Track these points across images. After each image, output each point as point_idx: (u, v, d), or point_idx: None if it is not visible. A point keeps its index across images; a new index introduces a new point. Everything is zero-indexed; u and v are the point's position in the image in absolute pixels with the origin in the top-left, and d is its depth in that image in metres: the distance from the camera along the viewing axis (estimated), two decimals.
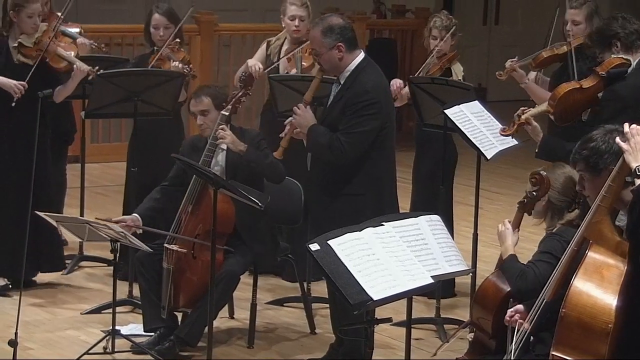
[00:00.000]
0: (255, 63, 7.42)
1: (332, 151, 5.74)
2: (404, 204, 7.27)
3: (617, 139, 4.13)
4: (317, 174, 5.91)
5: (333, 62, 5.79)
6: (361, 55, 5.84)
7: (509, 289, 4.81)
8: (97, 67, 6.91)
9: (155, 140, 7.10)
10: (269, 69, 7.41)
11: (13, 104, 6.71)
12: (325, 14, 12.11)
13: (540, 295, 4.48)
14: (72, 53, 6.93)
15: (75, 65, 6.84)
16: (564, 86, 5.83)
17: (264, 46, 7.66)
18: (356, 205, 5.74)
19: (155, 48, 7.27)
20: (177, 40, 7.27)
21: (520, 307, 4.63)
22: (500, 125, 6.31)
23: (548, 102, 5.83)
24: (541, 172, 4.92)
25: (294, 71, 7.34)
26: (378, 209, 5.68)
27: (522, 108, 5.78)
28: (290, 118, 5.94)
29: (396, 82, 7.19)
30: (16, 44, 6.80)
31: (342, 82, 5.84)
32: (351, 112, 5.73)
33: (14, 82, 6.72)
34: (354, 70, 5.80)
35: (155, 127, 7.09)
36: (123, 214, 7.16)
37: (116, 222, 6.01)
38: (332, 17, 5.90)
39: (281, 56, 7.46)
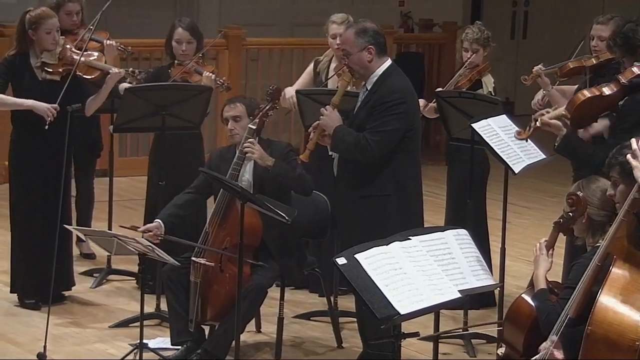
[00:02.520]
0: (292, 95, 7.40)
1: (359, 150, 5.79)
2: (437, 219, 7.27)
3: (628, 156, 4.09)
4: (344, 176, 5.94)
5: (362, 63, 5.86)
6: (389, 62, 5.93)
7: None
8: (131, 69, 6.95)
9: (175, 154, 7.09)
10: (320, 87, 7.38)
11: (46, 127, 6.69)
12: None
13: (564, 310, 4.45)
14: (103, 62, 6.97)
15: (110, 70, 6.87)
16: (583, 93, 5.80)
17: (311, 66, 7.63)
18: (382, 207, 5.80)
19: (175, 61, 7.27)
20: (200, 54, 7.28)
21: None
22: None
23: (566, 107, 5.80)
24: (578, 193, 4.87)
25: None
26: (403, 211, 5.79)
27: (540, 111, 5.75)
28: (317, 121, 5.98)
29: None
30: (39, 63, 6.80)
31: (368, 88, 5.91)
32: (378, 112, 5.79)
33: (47, 105, 6.70)
34: (381, 75, 5.88)
35: (175, 140, 7.08)
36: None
37: (142, 232, 6.02)
38: (366, 21, 6.00)
39: (329, 74, 7.42)
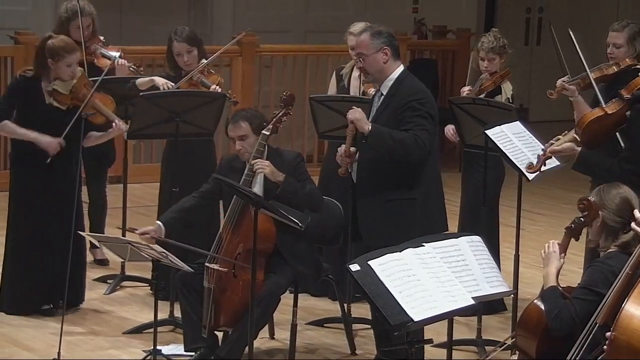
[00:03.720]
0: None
1: (418, 146, 5.74)
2: (451, 226, 7.26)
3: None
4: (368, 181, 5.90)
5: (377, 65, 5.87)
6: (402, 67, 5.95)
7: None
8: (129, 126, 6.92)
9: (187, 160, 7.07)
10: (342, 93, 7.38)
11: (48, 162, 6.64)
12: None
13: (593, 318, 4.43)
14: (111, 109, 6.86)
15: (114, 123, 6.80)
16: (589, 114, 5.78)
17: (333, 77, 7.59)
18: (408, 210, 5.80)
19: (182, 72, 7.25)
20: (203, 60, 7.28)
21: None
22: (542, 146, 6.29)
23: (575, 131, 5.80)
24: (590, 198, 4.88)
25: (372, 90, 7.30)
26: (429, 213, 5.80)
27: (550, 142, 5.78)
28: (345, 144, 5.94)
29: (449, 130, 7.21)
30: (50, 88, 6.75)
31: (384, 93, 5.90)
32: (410, 111, 5.79)
33: (51, 140, 6.64)
34: (396, 79, 5.89)
35: (187, 147, 7.05)
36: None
37: (141, 234, 6.05)
38: (380, 26, 6.02)
39: (351, 80, 7.40)
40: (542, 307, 4.81)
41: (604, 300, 4.37)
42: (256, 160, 6.12)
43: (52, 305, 6.92)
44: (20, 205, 6.90)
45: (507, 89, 7.21)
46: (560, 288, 4.82)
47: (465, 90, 7.26)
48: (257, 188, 6.22)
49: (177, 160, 6.96)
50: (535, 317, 4.82)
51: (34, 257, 6.86)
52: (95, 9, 7.73)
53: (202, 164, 7.18)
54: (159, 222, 6.20)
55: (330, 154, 7.38)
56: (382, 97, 5.92)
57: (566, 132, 5.94)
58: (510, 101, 7.13)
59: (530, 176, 6.18)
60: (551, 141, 5.81)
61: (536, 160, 5.85)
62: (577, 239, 4.96)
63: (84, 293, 7.11)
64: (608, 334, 4.32)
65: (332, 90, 7.59)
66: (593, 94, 6.80)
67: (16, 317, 6.93)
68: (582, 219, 4.88)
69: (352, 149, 5.97)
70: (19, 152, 6.89)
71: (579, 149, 5.64)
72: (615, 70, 6.68)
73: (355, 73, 7.40)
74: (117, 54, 7.42)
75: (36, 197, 6.84)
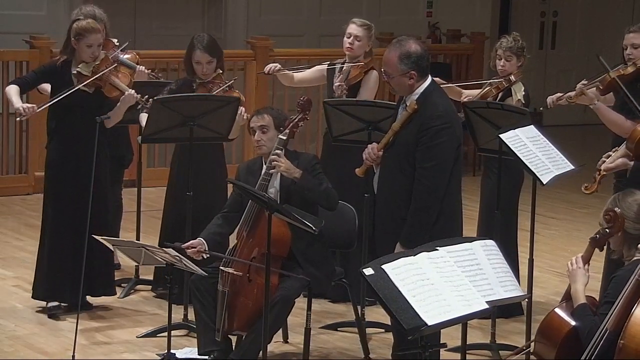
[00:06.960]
0: (277, 68, 7.54)
1: (426, 197, 5.60)
2: (466, 230, 7.25)
3: None
4: (387, 196, 5.77)
5: (403, 86, 5.71)
6: (428, 80, 5.73)
7: (574, 323, 4.78)
8: (147, 97, 6.98)
9: (197, 164, 7.07)
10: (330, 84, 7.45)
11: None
12: (379, 38, 12.11)
13: (603, 324, 4.41)
14: (126, 82, 7.03)
15: (126, 92, 6.94)
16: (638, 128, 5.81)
17: (323, 66, 7.63)
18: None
19: (198, 80, 7.23)
20: (219, 71, 7.27)
21: None
22: (556, 150, 6.28)
23: (626, 146, 5.81)
24: (616, 209, 4.85)
25: (340, 79, 7.33)
26: (447, 231, 5.60)
27: (602, 159, 5.78)
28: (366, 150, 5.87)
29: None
30: (75, 72, 6.93)
31: (408, 104, 5.74)
32: (427, 138, 5.59)
33: (23, 105, 6.83)
34: (422, 93, 5.68)
35: (198, 151, 7.05)
36: (164, 239, 7.21)
37: (186, 248, 6.04)
38: (410, 42, 5.71)
39: (339, 73, 7.45)
40: (565, 317, 4.79)
41: (613, 307, 4.35)
42: (274, 156, 6.12)
43: (58, 304, 6.98)
44: (50, 203, 7.03)
45: (518, 89, 7.18)
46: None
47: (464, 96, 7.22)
48: (273, 191, 6.23)
49: (186, 163, 6.96)
50: (556, 325, 4.80)
51: (59, 250, 6.96)
52: (109, 14, 7.75)
53: (211, 164, 7.18)
54: (200, 238, 6.17)
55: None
56: (406, 109, 5.73)
57: (616, 148, 5.96)
58: (523, 102, 7.11)
59: (549, 176, 6.14)
60: (603, 158, 5.85)
61: (592, 181, 5.90)
62: (601, 250, 4.93)
63: (114, 288, 7.20)
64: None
65: (312, 71, 7.64)
66: (617, 99, 6.78)
67: (31, 320, 6.96)
68: (607, 230, 4.85)
69: (380, 152, 5.79)
70: (52, 154, 7.05)
71: (632, 163, 5.64)
72: (633, 70, 6.67)
73: (345, 66, 7.43)
74: (131, 56, 7.47)
75: (65, 199, 6.97)
